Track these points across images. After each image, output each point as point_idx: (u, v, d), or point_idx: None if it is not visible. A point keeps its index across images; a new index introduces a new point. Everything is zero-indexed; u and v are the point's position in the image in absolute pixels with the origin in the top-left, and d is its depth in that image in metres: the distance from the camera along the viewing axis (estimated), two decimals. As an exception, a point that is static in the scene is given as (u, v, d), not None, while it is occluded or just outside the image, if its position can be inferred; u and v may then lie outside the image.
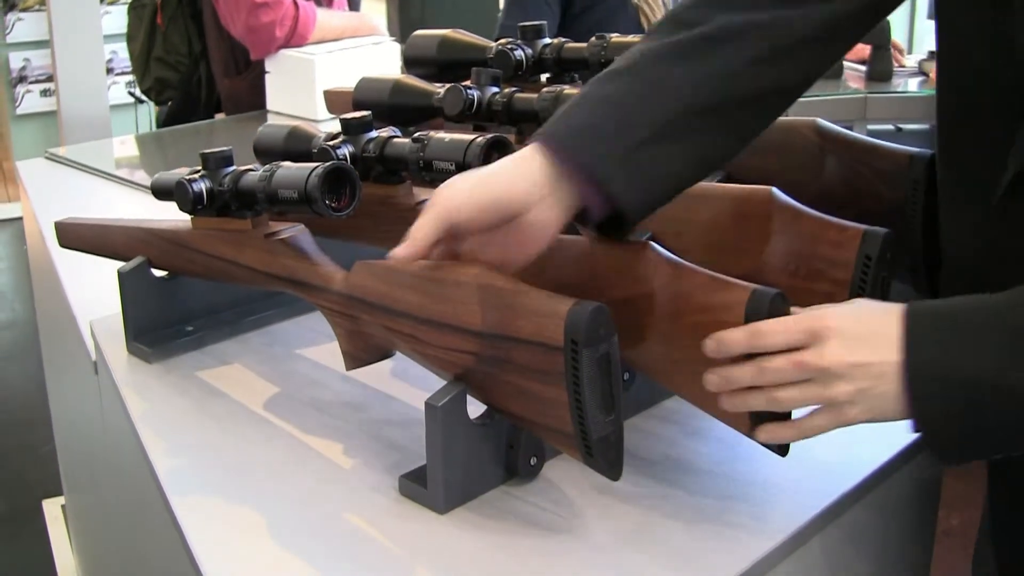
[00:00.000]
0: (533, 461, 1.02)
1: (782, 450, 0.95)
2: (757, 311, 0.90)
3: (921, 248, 1.11)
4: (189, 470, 1.09)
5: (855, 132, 2.89)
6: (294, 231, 1.16)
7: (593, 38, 1.24)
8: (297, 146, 1.22)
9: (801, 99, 2.71)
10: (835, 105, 3.36)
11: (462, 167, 1.04)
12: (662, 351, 0.98)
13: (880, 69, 3.49)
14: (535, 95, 1.16)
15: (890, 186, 1.11)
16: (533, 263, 1.04)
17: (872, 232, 0.99)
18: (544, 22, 1.29)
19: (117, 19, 4.49)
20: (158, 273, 1.31)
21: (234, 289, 1.35)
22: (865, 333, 0.86)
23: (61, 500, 3.08)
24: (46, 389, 2.50)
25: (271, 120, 2.62)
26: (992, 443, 0.88)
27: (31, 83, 6.41)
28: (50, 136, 6.17)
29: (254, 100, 2.85)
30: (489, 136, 1.04)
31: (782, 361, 0.87)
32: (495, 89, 1.20)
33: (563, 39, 1.28)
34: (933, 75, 3.40)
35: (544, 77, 1.30)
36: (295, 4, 2.72)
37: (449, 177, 1.04)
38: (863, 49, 3.63)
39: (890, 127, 3.71)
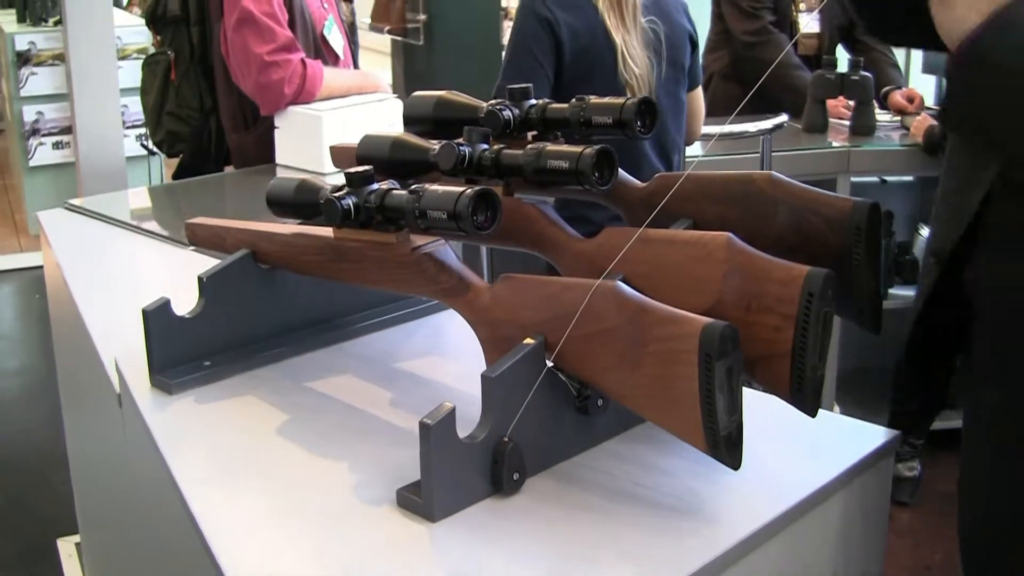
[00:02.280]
0: (516, 476, 1.15)
1: (735, 464, 1.08)
2: (710, 341, 1.03)
3: (865, 288, 1.24)
4: (211, 487, 1.21)
5: (839, 184, 3.03)
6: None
7: (574, 99, 1.37)
8: (306, 197, 1.36)
9: (788, 152, 2.89)
10: (820, 159, 3.49)
11: (453, 216, 1.16)
12: (629, 378, 1.10)
13: (863, 124, 3.62)
14: (521, 151, 1.29)
15: (836, 232, 1.24)
16: (514, 307, 1.18)
17: (814, 272, 1.11)
18: (530, 85, 1.42)
19: (128, 73, 4.65)
20: (179, 312, 1.44)
21: (247, 328, 1.49)
22: None
23: (76, 538, 3.19)
24: (63, 430, 2.62)
25: (280, 173, 2.76)
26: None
27: (44, 135, 6.57)
28: (61, 188, 6.32)
29: (262, 154, 2.99)
30: (478, 188, 1.16)
31: None
32: (485, 146, 1.33)
33: (547, 100, 1.41)
34: (914, 129, 3.55)
35: (530, 135, 1.42)
36: (303, 63, 2.87)
37: (443, 226, 1.18)
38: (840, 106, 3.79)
39: (875, 179, 3.84)
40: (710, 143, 3.36)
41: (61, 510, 3.23)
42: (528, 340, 1.15)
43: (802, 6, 4.18)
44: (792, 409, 1.15)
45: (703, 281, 1.18)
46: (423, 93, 1.49)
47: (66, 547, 3.25)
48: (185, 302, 1.46)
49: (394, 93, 7.07)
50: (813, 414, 1.15)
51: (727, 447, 1.07)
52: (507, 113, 1.38)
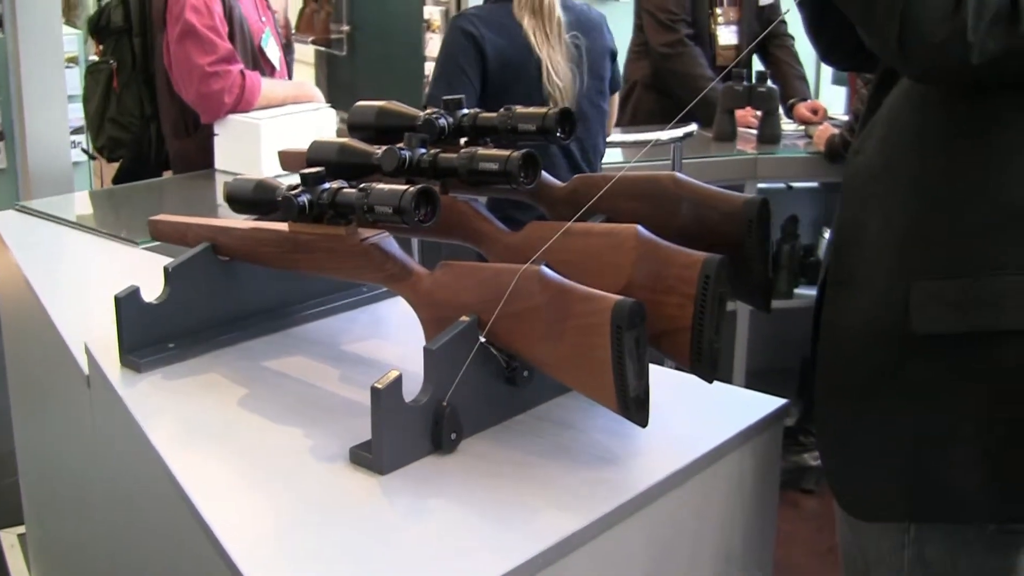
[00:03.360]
0: (453, 436, 1.32)
1: (643, 422, 1.26)
2: (620, 315, 1.21)
3: (756, 273, 1.43)
4: (184, 450, 1.37)
5: (747, 189, 3.23)
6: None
7: (502, 109, 1.54)
8: (264, 195, 1.52)
9: (699, 159, 3.13)
10: (729, 165, 3.70)
11: (398, 211, 1.33)
12: (552, 349, 1.28)
13: (769, 133, 3.84)
14: (455, 155, 1.47)
15: (731, 225, 1.43)
16: (449, 288, 1.36)
17: (711, 258, 1.30)
18: (463, 96, 1.60)
19: (69, 80, 4.75)
20: (147, 298, 1.59)
21: (208, 313, 1.64)
22: None
23: (19, 529, 3.30)
24: (9, 427, 2.74)
25: (219, 178, 2.91)
26: None
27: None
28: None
29: (201, 160, 3.13)
30: (419, 186, 1.33)
31: None
32: (423, 150, 1.50)
33: (478, 110, 1.58)
34: (816, 138, 3.77)
35: (463, 140, 1.60)
36: (242, 74, 3.02)
37: (388, 220, 1.35)
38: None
39: (782, 185, 4.06)
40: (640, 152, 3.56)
41: (6, 504, 3.33)
42: (464, 318, 1.32)
43: (720, 19, 4.38)
44: (694, 380, 1.34)
45: (616, 266, 1.36)
46: (366, 103, 1.66)
47: (8, 538, 3.35)
48: (147, 292, 1.61)
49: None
50: (710, 380, 1.33)
51: (636, 407, 1.25)
52: (442, 121, 1.56)
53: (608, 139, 2.97)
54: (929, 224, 1.54)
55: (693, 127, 3.37)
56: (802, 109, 4.13)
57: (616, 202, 1.48)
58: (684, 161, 3.48)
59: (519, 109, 1.52)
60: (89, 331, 1.71)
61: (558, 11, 2.64)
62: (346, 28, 7.52)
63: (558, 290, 1.28)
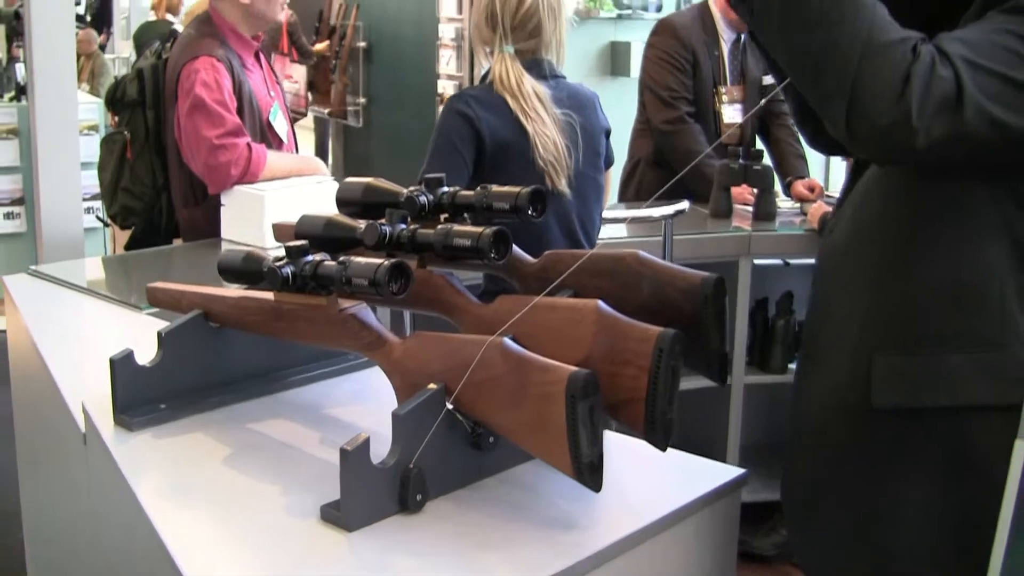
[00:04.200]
0: (419, 497, 1.40)
1: (596, 487, 1.34)
2: (574, 386, 1.29)
3: (712, 346, 1.52)
4: (168, 503, 1.46)
5: (741, 265, 3.31)
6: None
7: (479, 188, 1.63)
8: (251, 266, 1.61)
9: (694, 235, 3.22)
10: (723, 242, 3.77)
11: (373, 283, 1.42)
12: (512, 416, 1.37)
13: (764, 210, 3.92)
14: (432, 231, 1.56)
15: (689, 301, 1.51)
16: (419, 357, 1.44)
17: (664, 332, 1.38)
18: (443, 175, 1.69)
19: (89, 147, 4.89)
20: (142, 361, 1.68)
21: (198, 377, 1.73)
22: None
23: (23, 583, 3.37)
24: (16, 489, 2.82)
25: (224, 247, 3.01)
26: None
27: (-5, 206, 6.75)
28: (11, 257, 6.50)
29: (209, 229, 3.23)
30: (393, 261, 1.42)
31: None
32: (403, 226, 1.59)
33: (457, 188, 1.67)
34: (810, 215, 3.86)
35: (443, 216, 1.69)
36: (249, 146, 3.13)
37: (364, 291, 1.44)
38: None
39: (779, 262, 4.14)
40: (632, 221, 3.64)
41: (12, 561, 3.40)
42: (431, 385, 1.41)
43: (724, 98, 4.48)
44: (651, 448, 1.42)
45: (577, 340, 1.44)
46: (353, 180, 1.75)
47: (13, 592, 3.42)
48: (144, 355, 1.70)
49: (334, 172, 7.32)
50: (663, 449, 1.41)
51: (589, 473, 1.32)
52: (423, 198, 1.65)
53: (603, 214, 3.06)
54: (888, 303, 1.62)
55: (685, 204, 3.46)
56: (799, 187, 4.22)
57: (582, 278, 1.57)
58: (681, 237, 3.57)
59: (494, 188, 1.61)
60: (88, 391, 1.80)
61: (529, 86, 2.74)
62: (362, 101, 7.69)
63: (518, 361, 1.36)
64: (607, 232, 3.50)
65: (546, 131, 2.73)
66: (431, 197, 1.66)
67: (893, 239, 1.62)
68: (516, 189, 1.59)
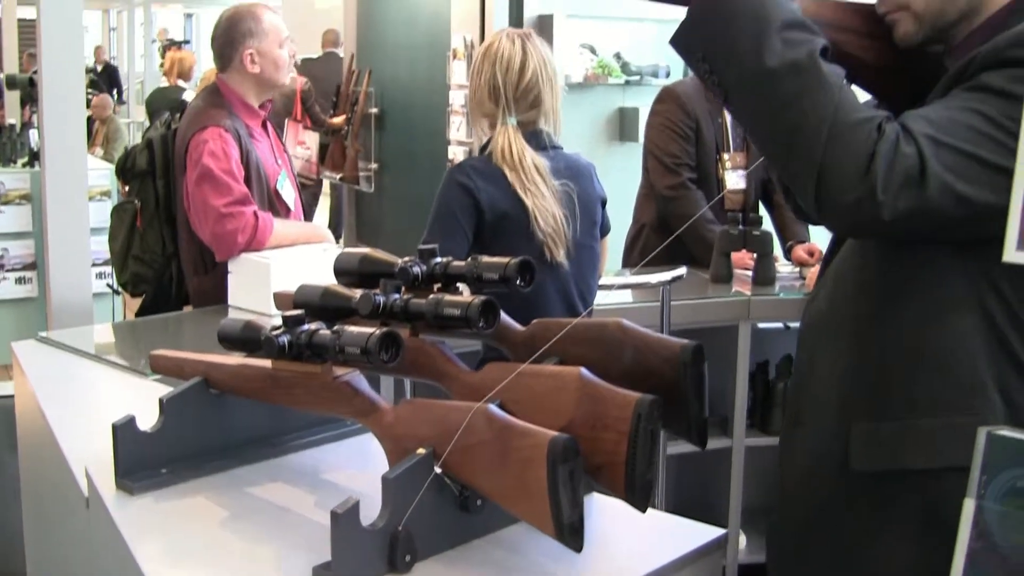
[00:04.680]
0: (408, 559, 1.45)
1: (577, 547, 1.38)
2: (555, 450, 1.35)
3: (692, 412, 1.57)
4: (167, 568, 1.51)
5: (741, 330, 3.37)
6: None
7: (469, 259, 1.69)
8: (250, 335, 1.67)
9: (694, 300, 3.30)
10: (723, 307, 3.83)
11: (365, 352, 1.48)
12: (497, 479, 1.42)
13: (764, 275, 3.98)
14: (424, 301, 1.62)
15: (669, 367, 1.57)
16: (409, 423, 1.50)
17: (643, 399, 1.44)
18: (436, 246, 1.75)
19: (92, 214, 4.98)
20: (142, 427, 1.74)
21: (199, 442, 1.79)
22: None
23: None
24: (23, 548, 2.87)
25: (232, 314, 3.08)
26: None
27: (8, 271, 6.84)
28: (21, 322, 6.58)
29: (218, 296, 3.30)
30: (384, 330, 1.48)
31: None
32: (397, 295, 1.65)
33: (449, 259, 1.73)
34: (808, 279, 3.91)
35: (436, 287, 1.75)
36: (255, 215, 3.21)
37: (357, 360, 1.50)
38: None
39: (779, 325, 4.19)
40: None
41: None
42: (420, 450, 1.46)
43: (728, 164, 4.55)
44: (632, 509, 1.47)
45: (561, 405, 1.50)
46: (350, 251, 1.81)
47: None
48: (146, 420, 1.76)
49: (346, 237, 7.36)
50: (643, 510, 1.46)
51: (570, 534, 1.37)
52: (416, 269, 1.71)
53: (601, 281, 3.12)
54: (864, 370, 1.69)
55: (682, 270, 3.52)
56: (799, 251, 4.29)
57: (569, 346, 1.63)
58: (682, 302, 3.64)
59: (483, 259, 1.67)
60: (92, 456, 1.85)
61: (530, 159, 2.81)
62: (374, 166, 7.78)
63: (502, 427, 1.41)
64: (608, 298, 3.56)
65: (545, 204, 2.80)
66: (424, 267, 1.72)
67: (867, 309, 1.68)
68: (505, 260, 1.65)
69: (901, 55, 1.77)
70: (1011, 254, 1.21)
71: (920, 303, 1.63)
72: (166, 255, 3.52)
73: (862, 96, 1.72)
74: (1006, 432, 1.20)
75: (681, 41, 1.62)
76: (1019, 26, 1.53)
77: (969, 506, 1.20)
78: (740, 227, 4.04)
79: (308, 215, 9.47)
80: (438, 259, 1.73)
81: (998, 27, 1.63)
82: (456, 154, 6.45)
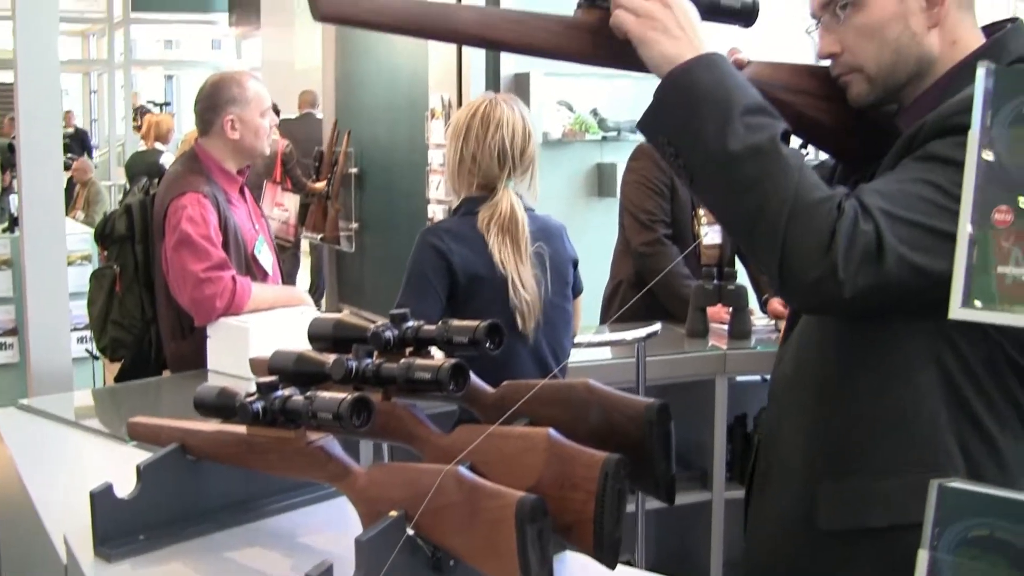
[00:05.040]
0: (382, 620, 1.48)
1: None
2: (522, 511, 1.38)
3: (659, 470, 1.60)
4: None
5: (717, 384, 3.41)
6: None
7: (440, 323, 1.73)
8: (225, 401, 1.70)
9: (670, 355, 3.32)
10: (699, 361, 3.88)
11: (337, 417, 1.51)
12: (468, 540, 1.45)
13: (739, 329, 4.03)
14: (395, 365, 1.65)
15: (635, 426, 1.60)
16: (381, 486, 1.53)
17: (610, 458, 1.47)
18: (407, 310, 1.79)
19: (72, 279, 5.00)
20: (119, 494, 1.76)
21: (176, 508, 1.81)
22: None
23: None
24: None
25: (211, 378, 3.10)
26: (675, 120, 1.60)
27: (-12, 338, 6.85)
28: (3, 388, 6.57)
29: (196, 361, 3.33)
30: (355, 396, 1.52)
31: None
32: (369, 360, 1.69)
33: (421, 323, 1.77)
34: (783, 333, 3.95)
35: (408, 350, 1.78)
36: (233, 279, 3.24)
37: (329, 425, 1.53)
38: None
39: (757, 378, 4.23)
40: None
41: None
42: (392, 513, 1.49)
43: (703, 220, 4.59)
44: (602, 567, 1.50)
45: (529, 466, 1.53)
46: (324, 316, 1.85)
47: None
48: (124, 487, 1.78)
49: (328, 297, 7.39)
50: (612, 567, 1.49)
51: (540, 593, 1.40)
52: (388, 333, 1.74)
53: (576, 339, 3.16)
54: (828, 432, 1.73)
55: (657, 327, 3.56)
56: (775, 304, 4.32)
57: (538, 407, 1.66)
58: (658, 358, 3.68)
59: (454, 323, 1.71)
60: (70, 523, 1.87)
61: (527, 226, 2.87)
62: (354, 226, 7.84)
63: (471, 488, 1.44)
64: (584, 355, 3.60)
65: (524, 272, 2.84)
66: (396, 332, 1.75)
67: (830, 372, 1.73)
68: (475, 324, 1.69)
69: (856, 115, 1.82)
70: (956, 311, 1.25)
71: (880, 364, 1.68)
72: (145, 320, 3.55)
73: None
74: (957, 484, 1.23)
75: (647, 125, 1.67)
76: (964, 91, 1.58)
77: (923, 557, 1.23)
78: (715, 282, 4.09)
79: (291, 277, 9.51)
80: (410, 323, 1.76)
81: (946, 88, 1.68)
82: (436, 213, 6.51)
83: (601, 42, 1.71)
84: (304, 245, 9.47)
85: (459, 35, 1.72)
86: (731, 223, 1.64)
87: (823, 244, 1.51)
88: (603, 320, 4.57)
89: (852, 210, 1.52)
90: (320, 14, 1.60)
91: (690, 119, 1.60)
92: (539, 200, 3.08)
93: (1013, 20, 1.79)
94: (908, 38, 1.73)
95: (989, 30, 1.79)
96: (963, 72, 1.70)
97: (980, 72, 1.31)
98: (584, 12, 1.73)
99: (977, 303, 1.25)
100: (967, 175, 1.27)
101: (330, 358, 1.69)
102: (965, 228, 1.26)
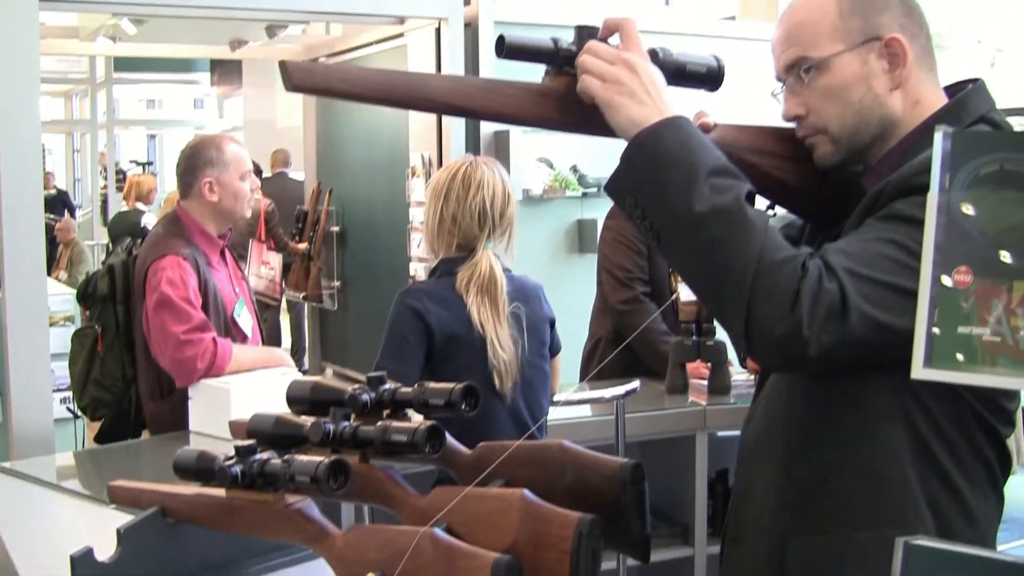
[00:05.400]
0: None
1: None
2: (497, 572, 1.40)
3: (633, 527, 1.62)
4: None
5: (698, 439, 3.43)
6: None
7: (416, 385, 1.75)
8: (204, 465, 1.72)
9: (650, 412, 3.36)
10: (679, 417, 3.90)
11: (314, 480, 1.53)
12: (444, 601, 1.46)
13: (719, 384, 4.05)
14: (372, 427, 1.67)
15: (609, 486, 1.62)
16: (358, 548, 1.54)
17: (584, 518, 1.49)
18: (384, 373, 1.81)
19: (55, 339, 5.00)
20: (100, 558, 1.77)
21: (158, 572, 1.82)
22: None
23: None
24: None
25: (192, 440, 3.11)
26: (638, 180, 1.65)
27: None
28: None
29: (174, 422, 3.34)
30: (333, 459, 1.54)
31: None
32: (346, 423, 1.71)
33: (397, 385, 1.79)
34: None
35: (385, 413, 1.80)
36: (214, 341, 3.26)
37: (307, 488, 1.55)
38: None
39: (737, 433, 4.23)
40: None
41: None
42: (370, 574, 1.51)
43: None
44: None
45: (504, 527, 1.55)
46: (302, 379, 1.87)
47: None
48: (105, 551, 1.79)
49: (311, 355, 7.37)
50: (588, 626, 1.51)
51: (517, 652, 1.42)
52: (365, 396, 1.76)
53: (555, 397, 3.18)
54: (797, 489, 1.76)
55: (636, 384, 3.59)
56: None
57: (513, 468, 1.69)
58: (638, 414, 3.70)
59: (430, 385, 1.73)
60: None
61: (505, 287, 2.90)
62: (336, 284, 7.85)
63: (447, 549, 1.46)
64: (564, 413, 3.63)
65: (502, 332, 2.87)
66: (373, 394, 1.77)
67: (799, 430, 1.75)
68: (450, 386, 1.71)
69: (822, 176, 1.86)
70: (919, 371, 1.28)
71: (848, 420, 1.71)
72: (126, 380, 3.56)
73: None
74: (923, 542, 1.26)
75: (614, 187, 1.71)
76: (926, 152, 1.62)
77: (899, 543, 1.25)
78: (694, 337, 4.11)
79: (275, 335, 9.51)
80: (386, 385, 1.79)
81: (909, 149, 1.73)
82: (417, 270, 6.53)
83: (569, 108, 1.74)
84: (283, 303, 9.49)
85: (431, 103, 1.75)
86: (697, 283, 1.67)
87: (788, 303, 1.54)
88: (583, 378, 4.59)
89: (816, 269, 1.55)
90: (292, 85, 1.62)
91: (656, 181, 1.64)
92: (520, 255, 3.12)
93: (975, 80, 1.84)
94: (871, 100, 1.77)
95: (952, 90, 1.84)
96: (926, 132, 1.73)
97: (937, 135, 1.34)
98: (551, 79, 1.77)
99: (940, 363, 1.28)
100: (927, 236, 1.31)
101: (308, 421, 1.71)
102: (926, 289, 1.30)
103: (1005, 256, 1.27)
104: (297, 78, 1.63)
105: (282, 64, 1.61)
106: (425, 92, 1.72)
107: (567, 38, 1.76)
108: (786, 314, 1.54)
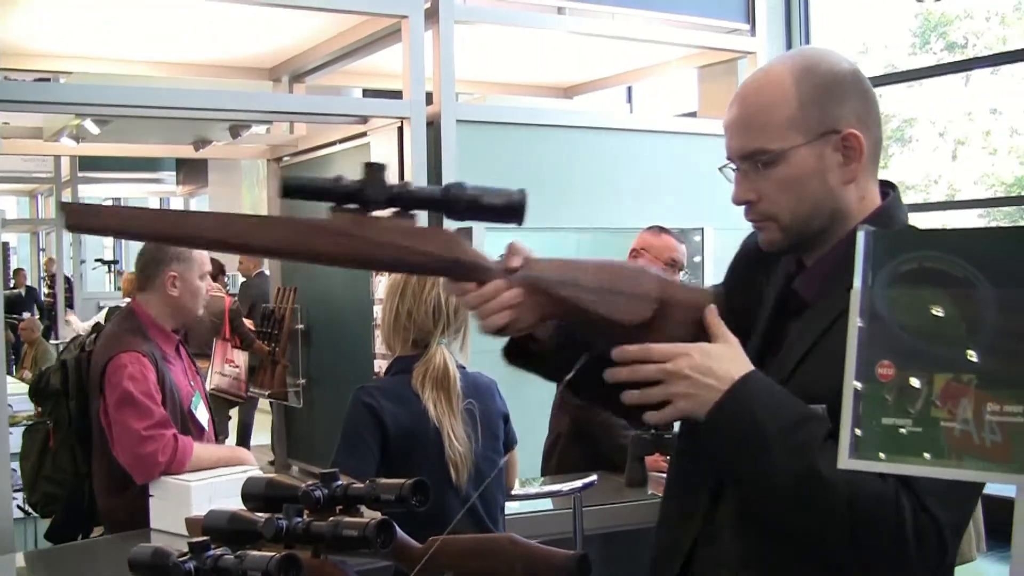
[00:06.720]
0: None
1: None
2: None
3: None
4: None
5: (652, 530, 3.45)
6: None
7: (368, 481, 1.79)
8: (157, 561, 1.74)
9: (609, 505, 3.38)
10: (637, 510, 3.90)
11: (266, 574, 1.56)
12: None
13: (679, 477, 4.07)
14: (324, 523, 1.70)
15: (558, 577, 1.66)
16: None
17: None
18: (336, 469, 1.84)
19: (17, 440, 4.99)
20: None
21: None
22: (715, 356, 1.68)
23: None
24: None
25: (154, 537, 3.12)
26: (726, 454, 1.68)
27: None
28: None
29: (129, 519, 3.34)
30: (284, 554, 1.57)
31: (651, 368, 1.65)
32: (299, 519, 1.74)
33: (350, 481, 1.82)
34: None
35: (338, 508, 1.83)
36: (175, 437, 3.28)
37: (259, 581, 1.57)
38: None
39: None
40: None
41: None
42: (321, 669, 1.53)
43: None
44: None
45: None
46: (257, 476, 1.91)
47: None
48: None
49: (276, 452, 7.33)
50: None
51: None
52: (318, 492, 1.80)
53: (514, 490, 3.22)
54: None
55: (593, 478, 3.62)
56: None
57: (463, 561, 1.72)
58: (597, 508, 3.72)
59: (381, 481, 1.77)
60: None
61: (459, 383, 2.95)
62: (302, 382, 7.85)
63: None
64: (523, 507, 3.65)
65: (457, 426, 2.92)
66: (326, 490, 1.81)
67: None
68: (400, 481, 1.75)
69: (660, 304, 1.81)
70: (844, 462, 1.33)
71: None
72: (79, 475, 3.56)
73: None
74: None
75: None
76: None
77: None
78: (652, 431, 4.14)
79: (244, 434, 9.48)
80: (339, 482, 1.82)
81: (847, 252, 1.76)
82: (382, 368, 6.52)
83: (345, 244, 1.73)
84: (261, 402, 9.47)
85: (200, 240, 1.74)
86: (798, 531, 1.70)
87: (893, 548, 1.59)
88: (544, 473, 4.61)
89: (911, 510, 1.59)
90: (69, 225, 1.68)
91: (729, 459, 1.72)
92: (479, 349, 3.15)
93: (893, 187, 1.89)
94: (825, 193, 1.78)
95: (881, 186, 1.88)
96: (881, 218, 1.79)
97: (860, 235, 1.41)
98: (333, 215, 1.72)
99: (864, 454, 1.33)
100: (850, 333, 1.37)
101: (262, 517, 1.74)
102: (850, 383, 1.35)
103: (923, 349, 1.33)
104: (73, 220, 1.68)
105: (61, 205, 1.69)
106: (192, 228, 1.71)
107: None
108: (893, 555, 1.59)
